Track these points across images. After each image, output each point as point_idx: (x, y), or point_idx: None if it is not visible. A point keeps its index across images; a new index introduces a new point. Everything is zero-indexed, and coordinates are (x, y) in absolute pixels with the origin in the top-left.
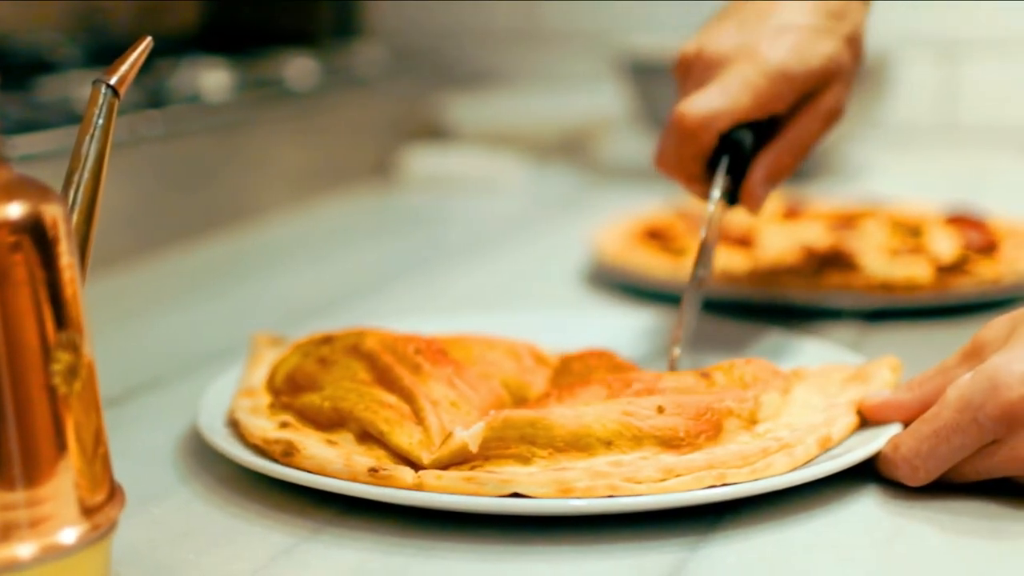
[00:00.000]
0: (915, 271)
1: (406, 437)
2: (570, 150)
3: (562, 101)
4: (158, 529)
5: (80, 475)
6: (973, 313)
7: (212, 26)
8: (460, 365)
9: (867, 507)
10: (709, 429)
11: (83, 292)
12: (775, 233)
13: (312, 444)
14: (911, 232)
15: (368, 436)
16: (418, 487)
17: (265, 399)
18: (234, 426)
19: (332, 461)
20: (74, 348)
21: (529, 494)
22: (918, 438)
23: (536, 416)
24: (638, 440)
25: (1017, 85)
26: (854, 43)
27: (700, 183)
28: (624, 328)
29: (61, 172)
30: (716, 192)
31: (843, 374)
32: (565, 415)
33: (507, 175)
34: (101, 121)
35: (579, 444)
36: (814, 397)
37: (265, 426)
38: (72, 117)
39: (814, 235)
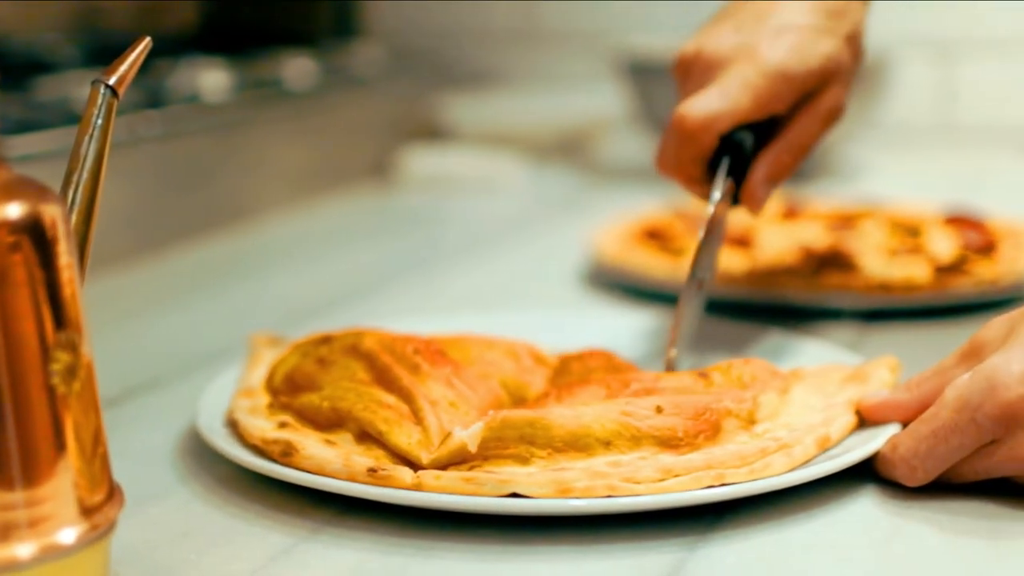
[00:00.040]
0: (914, 271)
1: (405, 437)
2: (569, 150)
3: (561, 101)
4: (157, 529)
5: (79, 475)
6: (971, 313)
7: (211, 26)
8: (459, 365)
9: (865, 507)
10: (708, 429)
11: (82, 292)
12: (774, 233)
13: (311, 444)
14: (910, 232)
15: (367, 436)
16: (417, 487)
17: (264, 399)
18: (233, 426)
19: (331, 461)
20: (73, 348)
21: (528, 494)
22: (916, 438)
23: (535, 416)
24: (637, 440)
25: (1015, 85)
26: (854, 42)
27: (701, 184)
28: (623, 328)
29: (60, 172)
30: (716, 194)
31: (841, 374)
32: (564, 415)
33: (506, 175)
34: (100, 121)
35: (578, 444)
36: (812, 397)
37: (264, 426)
38: (71, 117)
39: (813, 235)
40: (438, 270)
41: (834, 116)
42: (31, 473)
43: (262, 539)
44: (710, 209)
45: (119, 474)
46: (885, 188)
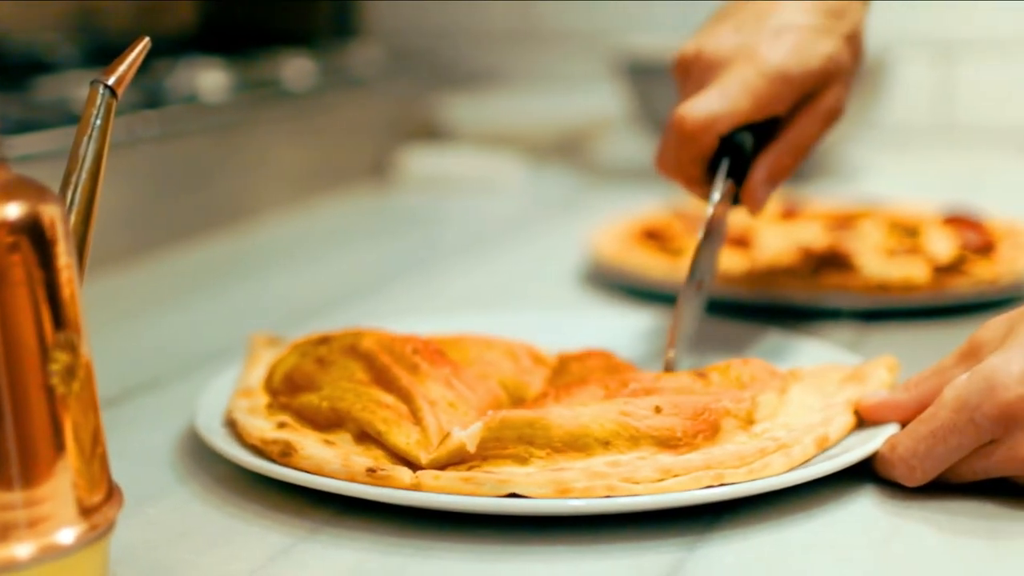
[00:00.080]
0: (912, 271)
1: (404, 437)
2: (567, 150)
3: (559, 101)
4: (156, 529)
5: (78, 475)
6: (970, 313)
7: (209, 26)
8: (458, 365)
9: (864, 507)
10: (706, 429)
11: (81, 292)
12: (772, 234)
13: (310, 444)
14: (908, 232)
15: (366, 436)
16: (416, 487)
17: (263, 399)
18: (232, 426)
19: (330, 461)
20: (72, 348)
21: (527, 494)
22: (915, 438)
23: (534, 416)
24: (635, 440)
25: (1014, 85)
26: (854, 42)
27: (700, 185)
28: (622, 328)
29: (59, 172)
30: (716, 195)
31: (840, 374)
32: (563, 415)
33: (505, 175)
34: (99, 121)
35: (577, 444)
36: (811, 397)
37: (263, 426)
38: (70, 117)
39: (811, 236)
40: (437, 270)
41: (834, 116)
42: (30, 473)
43: (261, 539)
44: (710, 210)
45: (118, 474)
46: (884, 188)
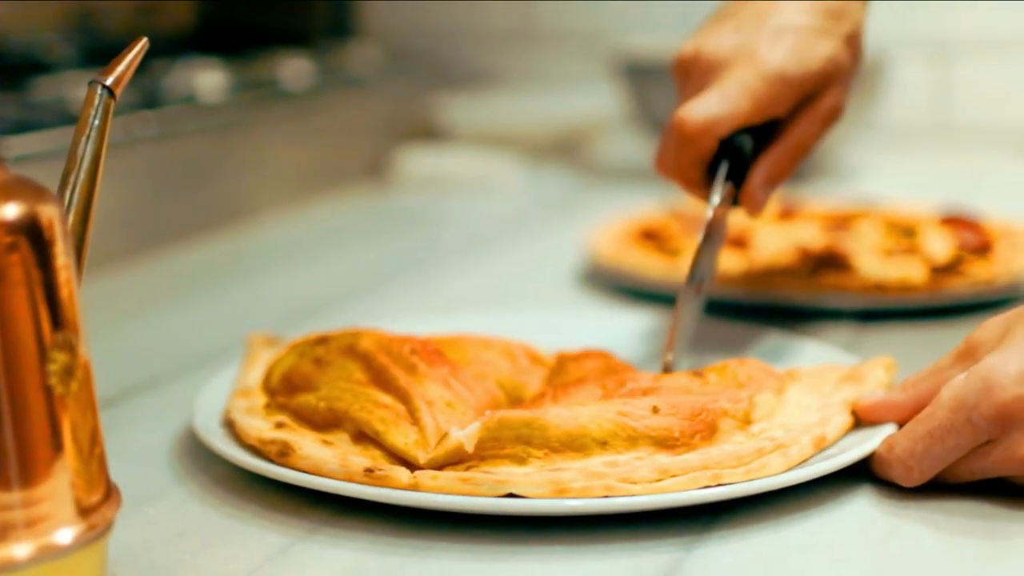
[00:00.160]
0: (909, 272)
1: (402, 437)
2: (565, 151)
3: (557, 102)
4: (154, 529)
5: (76, 475)
6: (967, 314)
7: (207, 27)
8: (456, 365)
9: (862, 507)
10: (704, 429)
11: (79, 293)
12: (770, 234)
13: (308, 444)
14: (905, 233)
15: (364, 436)
16: (414, 487)
17: (261, 399)
18: (230, 426)
19: (328, 461)
20: (70, 348)
21: (525, 494)
22: (912, 438)
23: (532, 416)
24: (633, 440)
25: (1011, 86)
26: (853, 43)
27: (700, 187)
28: (619, 328)
29: (57, 173)
30: (716, 197)
31: (837, 374)
32: (561, 415)
33: (502, 176)
34: (97, 122)
35: (574, 444)
36: (808, 397)
37: (261, 426)
38: (68, 118)
39: (809, 236)
40: (435, 270)
41: (833, 117)
42: (28, 473)
43: (259, 539)
44: (709, 213)
45: (116, 474)
46: (881, 188)
